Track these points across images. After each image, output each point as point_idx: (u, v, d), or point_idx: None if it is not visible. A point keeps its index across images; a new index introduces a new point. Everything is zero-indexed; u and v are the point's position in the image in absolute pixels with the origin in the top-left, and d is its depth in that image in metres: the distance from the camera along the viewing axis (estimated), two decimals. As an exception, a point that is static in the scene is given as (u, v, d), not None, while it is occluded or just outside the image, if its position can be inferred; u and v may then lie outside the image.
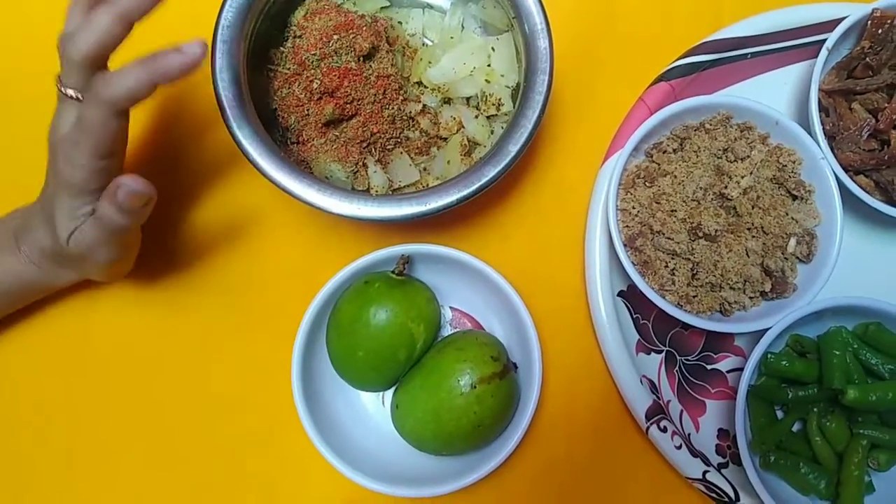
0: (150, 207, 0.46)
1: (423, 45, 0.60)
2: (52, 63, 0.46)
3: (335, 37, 0.53)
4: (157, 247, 0.58)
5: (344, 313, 0.51)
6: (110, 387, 0.57)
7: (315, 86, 0.53)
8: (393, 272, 0.53)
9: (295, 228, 0.58)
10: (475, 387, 0.49)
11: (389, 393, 0.54)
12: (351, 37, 0.53)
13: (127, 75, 0.43)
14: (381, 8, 0.60)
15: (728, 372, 0.58)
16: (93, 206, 0.46)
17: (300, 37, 0.55)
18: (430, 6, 0.61)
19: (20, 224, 0.51)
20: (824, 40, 0.58)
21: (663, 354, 0.58)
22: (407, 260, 0.53)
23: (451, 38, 0.59)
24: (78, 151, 0.44)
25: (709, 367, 0.58)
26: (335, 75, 0.53)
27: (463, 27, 0.60)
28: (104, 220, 0.45)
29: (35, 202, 0.51)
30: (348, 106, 0.54)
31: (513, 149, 0.50)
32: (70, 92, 0.45)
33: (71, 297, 0.57)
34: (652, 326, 0.58)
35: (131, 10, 0.44)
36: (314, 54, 0.53)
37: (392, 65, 0.55)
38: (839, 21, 0.58)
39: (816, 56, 0.57)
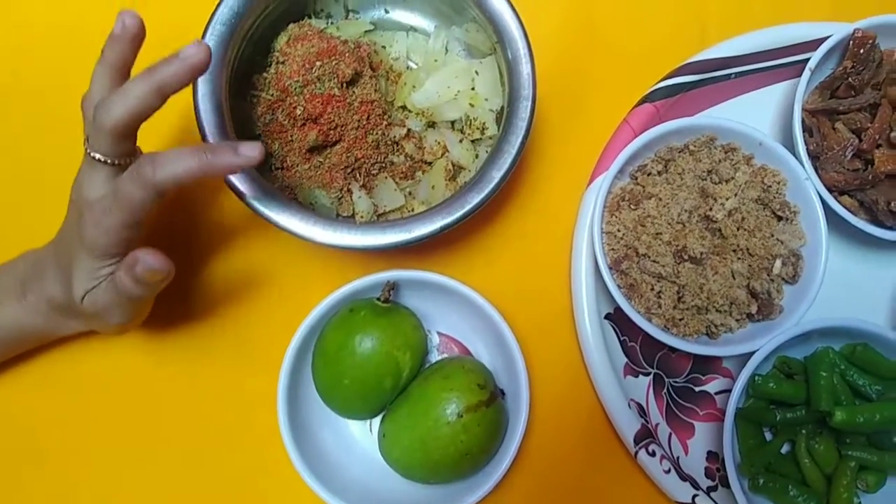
0: (167, 282, 0.46)
1: (408, 68, 0.60)
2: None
3: (318, 63, 0.53)
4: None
5: (329, 342, 0.51)
6: (95, 419, 0.56)
7: (298, 112, 0.53)
8: (378, 299, 0.52)
9: (279, 255, 0.58)
10: (462, 415, 0.49)
11: (377, 421, 0.54)
12: (334, 63, 0.53)
13: (177, 162, 0.42)
14: (365, 32, 0.59)
15: (716, 394, 0.58)
16: (112, 269, 0.46)
17: (283, 63, 0.54)
18: (414, 29, 0.60)
19: (30, 272, 0.50)
20: (807, 59, 0.58)
21: (651, 377, 0.58)
22: (392, 286, 0.53)
23: (435, 60, 0.59)
24: (109, 219, 0.44)
25: (697, 388, 0.58)
26: (318, 102, 0.53)
27: (447, 50, 0.60)
28: (120, 288, 0.45)
29: (47, 249, 0.50)
30: (332, 132, 0.54)
31: (496, 175, 0.50)
32: (98, 156, 0.45)
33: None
34: (639, 349, 0.58)
35: (169, 83, 0.43)
36: (297, 81, 0.53)
37: (375, 90, 0.55)
38: (821, 41, 0.58)
39: (799, 75, 0.57)
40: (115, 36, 0.45)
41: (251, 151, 0.43)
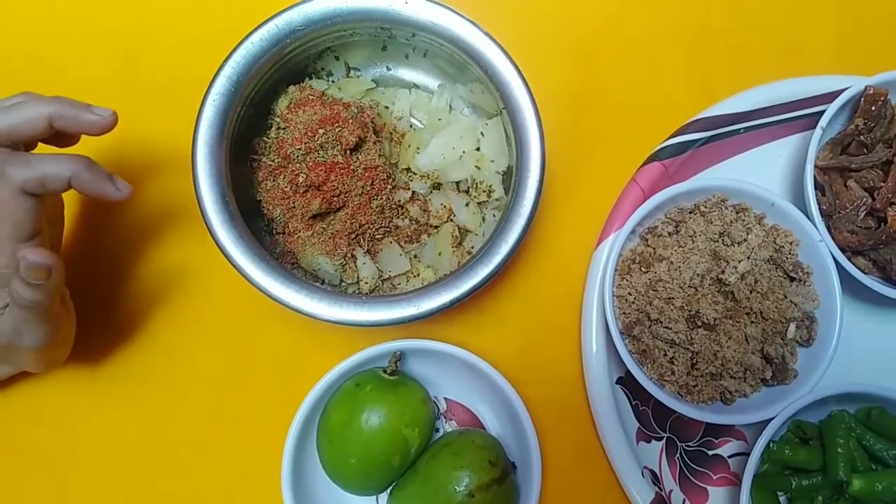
0: (59, 277, 0.44)
1: (411, 126, 0.58)
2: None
3: (321, 131, 0.52)
4: (140, 346, 0.56)
5: (335, 418, 0.50)
6: (94, 488, 0.55)
7: (301, 180, 0.52)
8: (385, 371, 0.51)
9: (282, 324, 0.56)
10: (473, 495, 0.47)
11: (384, 496, 0.53)
12: (337, 130, 0.52)
13: (44, 164, 0.42)
14: (367, 90, 0.58)
15: (730, 457, 0.57)
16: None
17: (284, 129, 0.53)
18: (417, 86, 0.59)
19: None
20: (815, 113, 0.57)
21: (664, 441, 0.57)
22: (399, 358, 0.52)
23: (439, 119, 0.58)
24: None
25: (710, 452, 0.57)
26: (321, 170, 0.52)
27: (451, 108, 0.58)
28: (18, 299, 0.43)
29: None
30: (335, 199, 0.53)
31: (505, 247, 0.49)
32: None
33: (49, 402, 0.55)
34: (651, 413, 0.57)
35: (65, 118, 0.44)
36: (299, 149, 0.52)
37: (380, 154, 0.54)
38: (828, 94, 0.58)
39: (808, 129, 0.56)
40: (84, 116, 0.44)
41: (125, 189, 0.45)
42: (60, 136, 0.47)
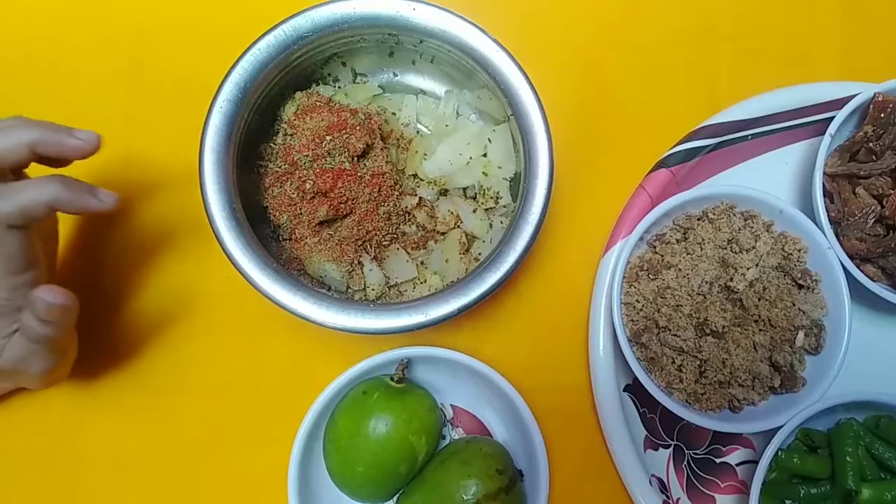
0: (74, 315, 0.44)
1: (418, 132, 0.58)
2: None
3: (328, 138, 0.51)
4: (147, 354, 0.56)
5: (342, 427, 0.50)
6: (98, 495, 0.54)
7: (308, 186, 0.52)
8: (392, 378, 0.51)
9: (289, 331, 0.56)
10: (481, 504, 0.47)
11: (391, 503, 0.52)
12: (344, 137, 0.52)
13: (22, 193, 0.42)
14: (374, 96, 0.58)
15: (738, 465, 0.57)
16: (18, 324, 0.44)
17: (291, 135, 0.53)
18: (424, 92, 0.59)
19: None
20: (824, 120, 0.57)
21: (671, 449, 0.56)
22: (406, 365, 0.51)
23: (446, 125, 0.57)
24: None
25: (718, 460, 0.57)
26: (328, 176, 0.51)
27: (458, 114, 0.58)
28: (30, 333, 0.43)
29: None
30: (343, 206, 0.52)
31: (514, 255, 0.49)
32: None
33: (55, 409, 0.55)
34: (659, 420, 0.56)
35: (44, 142, 0.43)
36: (306, 155, 0.51)
37: (387, 161, 0.54)
38: (838, 101, 0.57)
39: (816, 135, 0.56)
40: (67, 142, 0.44)
41: (108, 198, 0.44)
42: (51, 158, 0.46)
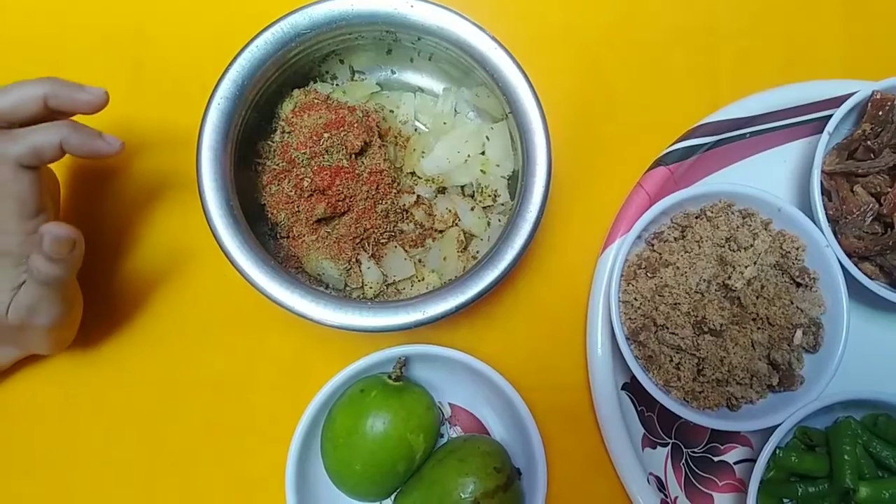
0: (80, 252, 0.45)
1: (416, 130, 0.58)
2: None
3: (326, 135, 0.51)
4: (144, 350, 0.56)
5: (339, 425, 0.49)
6: (98, 498, 0.54)
7: (305, 184, 0.52)
8: (389, 376, 0.51)
9: (286, 329, 0.56)
10: (478, 502, 0.47)
11: (389, 501, 0.52)
12: (342, 135, 0.51)
13: (34, 134, 0.44)
14: (372, 93, 0.58)
15: (735, 463, 0.57)
16: (27, 275, 0.45)
17: (289, 133, 0.53)
18: (422, 90, 0.59)
19: None
20: (822, 118, 0.57)
21: (669, 447, 0.56)
22: (404, 363, 0.51)
23: (444, 123, 0.57)
24: (5, 217, 0.44)
25: (715, 458, 0.57)
26: (326, 174, 0.51)
27: (456, 112, 0.58)
28: (37, 275, 0.44)
29: None
30: (340, 203, 0.52)
31: (512, 252, 0.49)
32: None
33: (49, 408, 0.54)
34: (657, 418, 0.56)
35: (56, 94, 0.44)
36: (304, 153, 0.51)
37: (385, 159, 0.54)
38: (834, 99, 0.57)
39: (815, 133, 0.56)
40: (77, 95, 0.45)
41: (115, 142, 0.46)
42: (62, 113, 0.47)
